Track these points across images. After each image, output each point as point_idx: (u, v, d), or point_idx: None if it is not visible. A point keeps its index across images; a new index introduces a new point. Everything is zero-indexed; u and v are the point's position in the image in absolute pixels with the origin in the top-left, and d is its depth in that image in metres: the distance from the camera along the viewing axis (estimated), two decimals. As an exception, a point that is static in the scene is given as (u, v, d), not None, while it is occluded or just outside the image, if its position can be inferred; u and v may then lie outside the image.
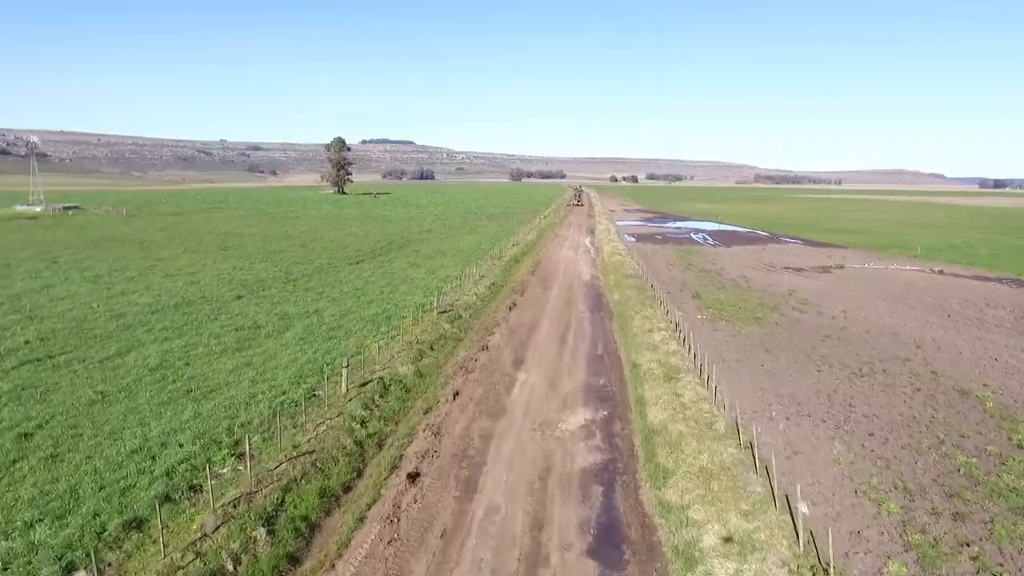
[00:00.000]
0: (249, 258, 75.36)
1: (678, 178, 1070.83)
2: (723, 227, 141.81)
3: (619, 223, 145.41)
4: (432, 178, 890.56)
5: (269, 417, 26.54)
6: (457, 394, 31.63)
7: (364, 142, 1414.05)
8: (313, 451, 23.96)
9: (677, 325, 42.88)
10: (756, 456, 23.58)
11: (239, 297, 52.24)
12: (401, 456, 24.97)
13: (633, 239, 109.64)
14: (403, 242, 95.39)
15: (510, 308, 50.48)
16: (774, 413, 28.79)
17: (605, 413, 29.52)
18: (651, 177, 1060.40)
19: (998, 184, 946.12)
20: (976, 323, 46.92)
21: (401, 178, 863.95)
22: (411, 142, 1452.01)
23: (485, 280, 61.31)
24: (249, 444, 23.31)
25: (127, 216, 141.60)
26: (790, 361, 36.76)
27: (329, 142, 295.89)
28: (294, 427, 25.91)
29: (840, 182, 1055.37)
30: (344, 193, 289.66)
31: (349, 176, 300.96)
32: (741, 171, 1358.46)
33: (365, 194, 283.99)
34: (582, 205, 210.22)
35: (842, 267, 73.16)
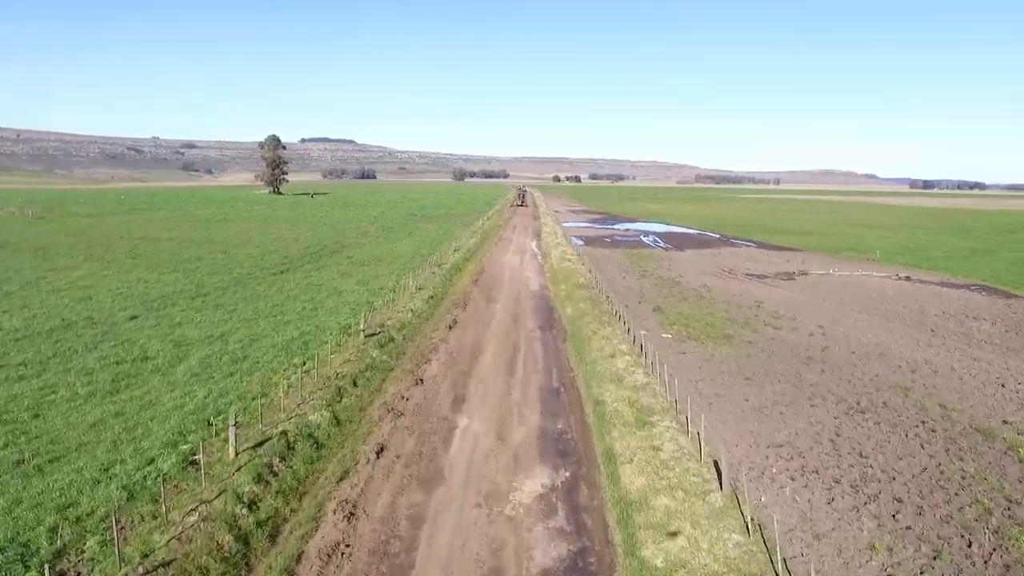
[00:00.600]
0: (159, 268, 67.03)
1: (620, 178, 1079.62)
2: (672, 229, 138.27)
3: (566, 225, 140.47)
4: (373, 177, 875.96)
5: (122, 503, 19.71)
6: (382, 450, 25.23)
7: (303, 140, 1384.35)
8: (172, 560, 17.26)
9: (642, 347, 37.37)
10: (768, 546, 18.00)
11: (133, 317, 44.53)
12: (300, 555, 18.49)
13: (582, 242, 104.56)
14: (336, 247, 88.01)
15: (450, 327, 44.23)
16: (775, 470, 23.32)
17: (567, 475, 23.56)
18: (594, 177, 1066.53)
19: (927, 185, 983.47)
20: (963, 339, 42.80)
21: (341, 177, 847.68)
22: (352, 141, 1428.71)
23: (423, 292, 54.87)
24: (77, 555, 16.52)
25: (33, 218, 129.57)
26: (777, 393, 31.53)
27: (263, 139, 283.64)
28: (153, 518, 19.08)
29: (779, 181, 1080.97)
30: (280, 193, 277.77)
31: (285, 176, 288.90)
32: (682, 171, 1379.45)
33: (303, 194, 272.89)
34: (526, 206, 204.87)
35: (806, 273, 69.26)
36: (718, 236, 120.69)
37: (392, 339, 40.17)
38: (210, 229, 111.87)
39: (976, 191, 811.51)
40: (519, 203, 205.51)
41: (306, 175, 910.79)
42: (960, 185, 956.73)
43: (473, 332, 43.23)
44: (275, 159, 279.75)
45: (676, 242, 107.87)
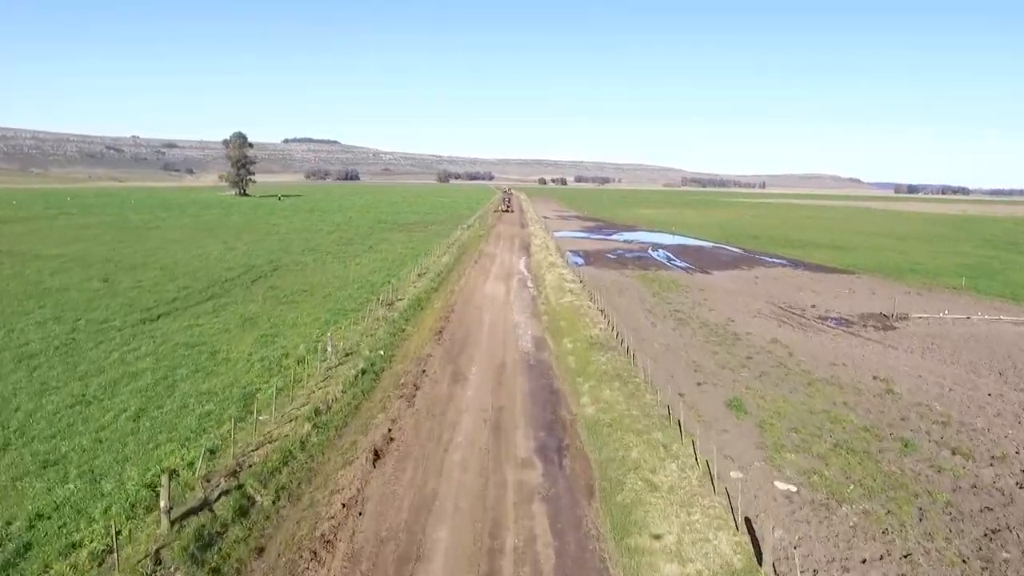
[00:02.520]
0: (-9, 306, 46.67)
1: (606, 180, 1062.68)
2: (682, 240, 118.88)
3: (558, 235, 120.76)
4: (357, 179, 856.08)
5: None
6: None
7: (287, 141, 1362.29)
8: None
9: (753, 533, 17.72)
10: None
11: None
12: None
13: (580, 260, 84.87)
14: (269, 270, 67.75)
15: (376, 456, 24.14)
16: None
17: None
18: (580, 180, 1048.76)
19: (912, 189, 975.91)
20: None
21: (325, 179, 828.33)
22: (336, 142, 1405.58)
23: (350, 364, 34.69)
24: None
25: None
26: None
27: (228, 137, 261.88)
28: None
29: (764, 185, 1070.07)
30: (247, 195, 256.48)
31: (252, 176, 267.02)
32: (668, 174, 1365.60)
33: (271, 196, 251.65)
34: (511, 211, 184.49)
35: (906, 317, 49.56)
36: (740, 251, 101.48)
37: (253, 502, 20.07)
38: (126, 241, 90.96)
39: (960, 196, 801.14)
40: (504, 208, 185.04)
41: (289, 176, 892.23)
42: (944, 190, 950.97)
43: (417, 469, 23.23)
44: (241, 158, 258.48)
45: (694, 259, 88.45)
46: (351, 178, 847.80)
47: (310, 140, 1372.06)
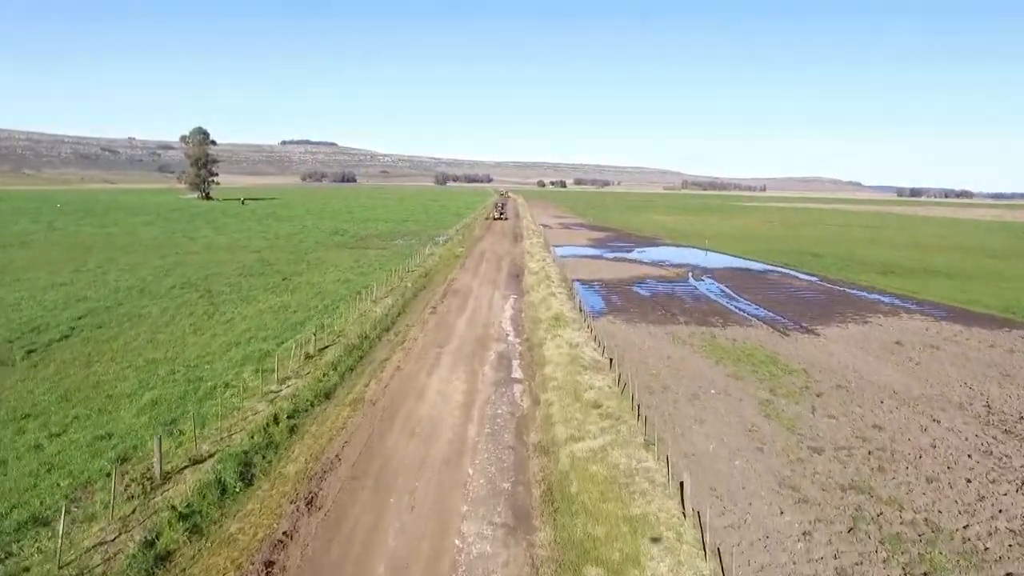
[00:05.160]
0: None
1: (605, 183, 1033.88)
2: (724, 260, 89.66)
3: (560, 252, 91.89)
4: (354, 181, 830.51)
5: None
6: None
7: (284, 143, 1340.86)
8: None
9: None
10: None
11: None
12: None
13: (599, 300, 55.99)
14: (66, 329, 38.77)
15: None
16: None
17: None
18: (579, 182, 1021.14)
19: (914, 193, 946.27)
20: None
21: (321, 180, 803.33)
22: (334, 143, 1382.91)
23: None
24: None
25: None
26: None
27: (187, 133, 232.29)
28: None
29: (764, 188, 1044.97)
30: (209, 198, 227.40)
31: (214, 177, 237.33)
32: (667, 177, 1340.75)
33: (234, 200, 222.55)
34: (506, 219, 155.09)
35: None
36: (815, 280, 72.64)
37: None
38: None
39: (964, 200, 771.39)
40: (497, 216, 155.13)
41: (285, 178, 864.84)
42: (947, 194, 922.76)
43: None
44: (202, 156, 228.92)
45: (765, 297, 59.44)
46: (348, 180, 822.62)
47: (308, 142, 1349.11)
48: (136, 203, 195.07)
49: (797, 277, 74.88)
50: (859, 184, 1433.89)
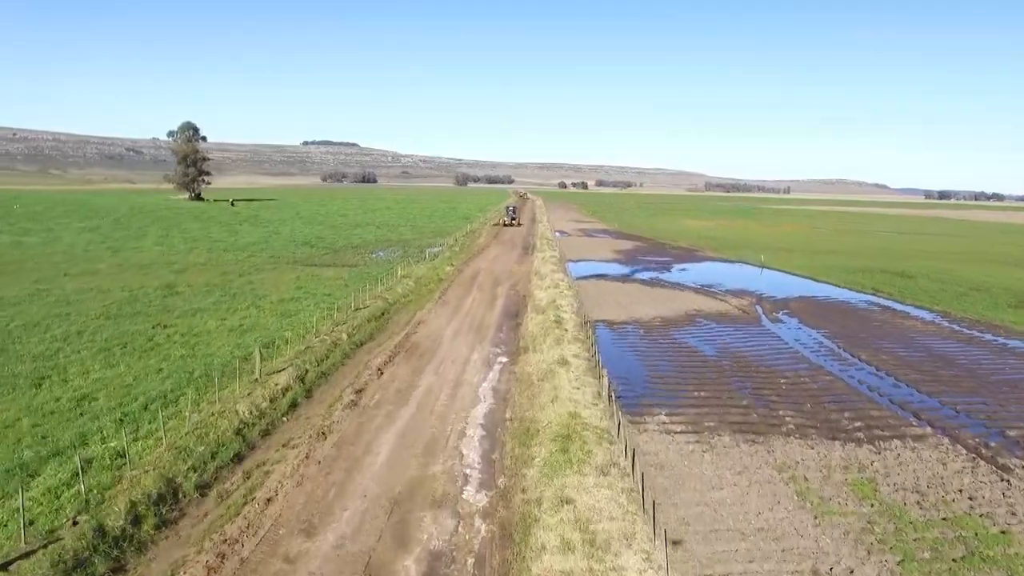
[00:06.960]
0: None
1: (628, 185, 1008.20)
2: (799, 286, 67.35)
3: (579, 271, 70.99)
4: (374, 181, 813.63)
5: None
6: None
7: (305, 143, 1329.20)
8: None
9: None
10: None
11: None
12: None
13: (638, 370, 34.76)
14: None
15: None
16: None
17: None
18: (601, 184, 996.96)
19: (942, 195, 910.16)
20: None
21: (342, 181, 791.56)
22: (355, 144, 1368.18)
23: None
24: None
25: None
26: None
27: (176, 128, 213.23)
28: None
29: (788, 190, 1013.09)
30: (201, 199, 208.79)
31: (204, 177, 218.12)
32: (690, 178, 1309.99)
33: (222, 201, 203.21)
34: (519, 225, 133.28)
35: None
36: (935, 315, 51.34)
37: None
38: None
39: (995, 203, 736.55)
40: (509, 221, 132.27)
41: (306, 178, 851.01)
42: (977, 196, 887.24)
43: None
44: (191, 155, 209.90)
45: (896, 360, 37.53)
46: (368, 181, 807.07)
47: (329, 143, 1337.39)
48: (113, 205, 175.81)
49: (908, 315, 53.32)
50: (885, 186, 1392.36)
